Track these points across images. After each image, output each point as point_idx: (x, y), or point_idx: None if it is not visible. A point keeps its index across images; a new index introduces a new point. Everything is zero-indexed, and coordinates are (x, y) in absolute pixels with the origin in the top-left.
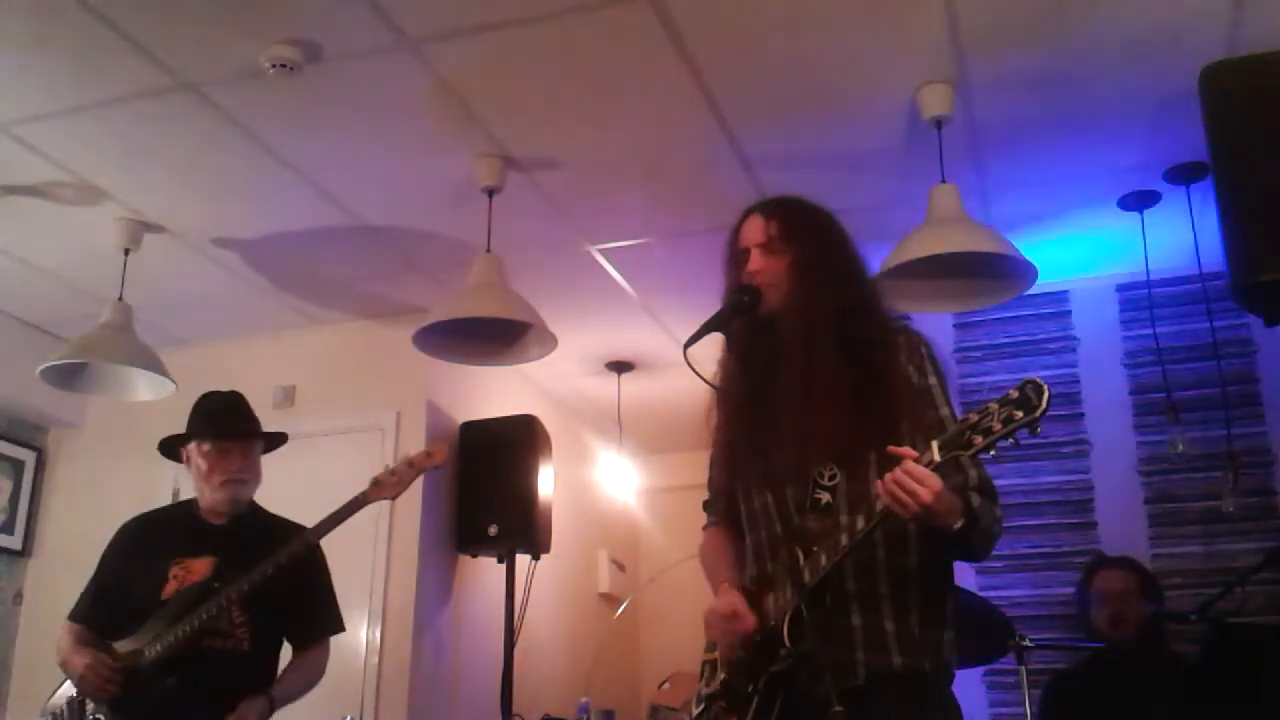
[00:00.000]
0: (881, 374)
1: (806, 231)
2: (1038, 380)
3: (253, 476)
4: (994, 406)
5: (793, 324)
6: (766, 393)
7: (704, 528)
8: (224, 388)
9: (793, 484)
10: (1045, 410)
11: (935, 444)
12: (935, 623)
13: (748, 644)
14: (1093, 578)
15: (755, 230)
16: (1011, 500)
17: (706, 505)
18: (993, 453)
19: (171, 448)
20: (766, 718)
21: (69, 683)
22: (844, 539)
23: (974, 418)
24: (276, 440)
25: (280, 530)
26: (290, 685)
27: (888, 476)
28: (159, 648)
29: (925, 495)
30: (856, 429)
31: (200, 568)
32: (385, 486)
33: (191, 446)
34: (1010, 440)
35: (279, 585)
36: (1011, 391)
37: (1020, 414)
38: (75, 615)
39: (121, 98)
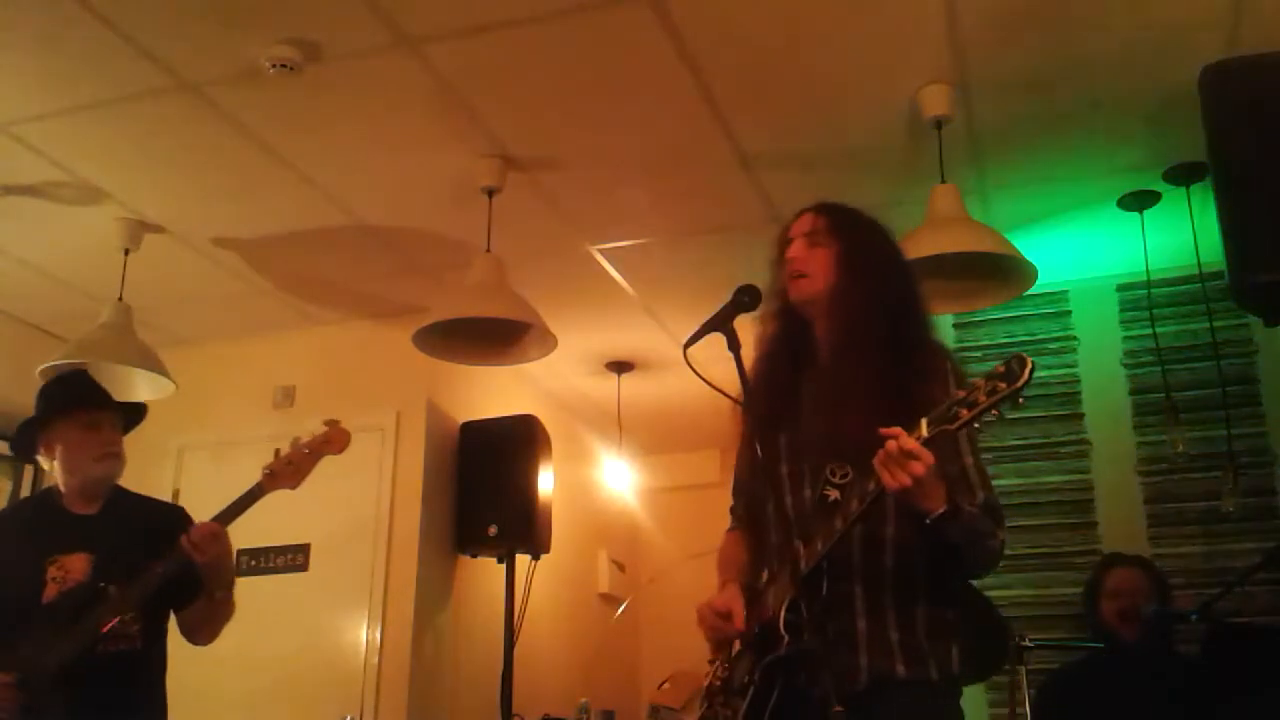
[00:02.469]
0: (916, 376)
1: (855, 228)
2: (1023, 355)
3: (122, 450)
4: (980, 382)
5: (833, 316)
6: (794, 391)
7: (726, 531)
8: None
9: (810, 487)
10: (1028, 380)
11: (924, 421)
12: (941, 635)
13: (734, 644)
14: (1106, 574)
15: (803, 223)
16: (1011, 500)
17: (731, 510)
18: (977, 426)
19: (27, 446)
20: (762, 709)
21: None
22: (838, 523)
23: (961, 394)
24: (135, 417)
25: (156, 513)
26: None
27: (880, 452)
28: (56, 657)
29: (919, 468)
30: (879, 437)
31: (77, 565)
32: (281, 476)
33: (56, 430)
34: (995, 412)
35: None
36: (998, 366)
37: (1004, 386)
38: None
39: (121, 98)
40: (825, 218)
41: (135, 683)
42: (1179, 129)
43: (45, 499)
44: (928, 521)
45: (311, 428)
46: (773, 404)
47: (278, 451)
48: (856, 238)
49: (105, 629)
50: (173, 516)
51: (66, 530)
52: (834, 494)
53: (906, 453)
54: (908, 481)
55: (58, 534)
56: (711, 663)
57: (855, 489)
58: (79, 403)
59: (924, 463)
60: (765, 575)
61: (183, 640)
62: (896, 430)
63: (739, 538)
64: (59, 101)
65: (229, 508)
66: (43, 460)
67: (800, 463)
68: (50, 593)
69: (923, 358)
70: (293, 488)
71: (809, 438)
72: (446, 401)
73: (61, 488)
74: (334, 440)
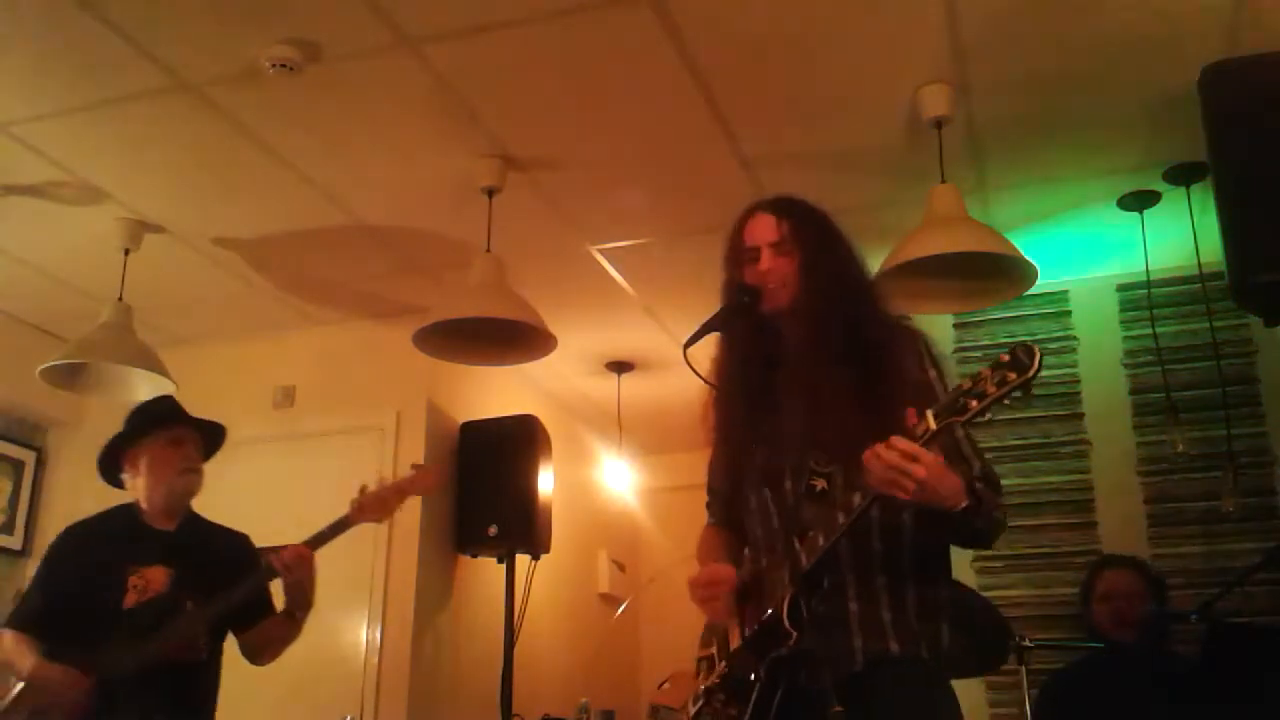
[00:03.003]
0: (885, 373)
1: (815, 233)
2: (1028, 343)
3: (202, 469)
4: (986, 372)
5: (800, 325)
6: (767, 392)
7: (705, 526)
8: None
9: (792, 479)
10: (1038, 370)
11: (930, 413)
12: (931, 615)
13: (731, 638)
14: (1098, 577)
15: (766, 229)
16: (1011, 500)
17: (707, 506)
18: (987, 417)
19: (113, 464)
20: (768, 705)
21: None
22: (840, 518)
23: (967, 384)
24: (216, 440)
25: (226, 537)
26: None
27: (879, 465)
28: (132, 663)
29: (920, 471)
30: (861, 430)
31: (157, 577)
32: (369, 510)
33: (142, 446)
34: (1005, 403)
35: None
36: (1003, 355)
37: (1014, 376)
38: (20, 622)
39: (121, 98)
40: (787, 222)
41: (196, 691)
42: (1179, 129)
43: (126, 512)
44: (957, 513)
45: (311, 427)
46: (749, 401)
47: (364, 488)
48: (816, 242)
49: (180, 641)
50: (240, 542)
51: (147, 543)
52: (820, 483)
53: (907, 455)
54: (911, 486)
55: (139, 546)
56: (701, 660)
57: (855, 485)
58: (163, 420)
59: (924, 464)
60: (754, 570)
61: None
62: (897, 441)
63: (715, 531)
64: (59, 101)
65: (317, 535)
66: (127, 478)
67: (780, 458)
68: (130, 600)
69: (890, 350)
70: (378, 522)
71: (787, 433)
72: (446, 401)
73: (143, 503)
74: (420, 481)
